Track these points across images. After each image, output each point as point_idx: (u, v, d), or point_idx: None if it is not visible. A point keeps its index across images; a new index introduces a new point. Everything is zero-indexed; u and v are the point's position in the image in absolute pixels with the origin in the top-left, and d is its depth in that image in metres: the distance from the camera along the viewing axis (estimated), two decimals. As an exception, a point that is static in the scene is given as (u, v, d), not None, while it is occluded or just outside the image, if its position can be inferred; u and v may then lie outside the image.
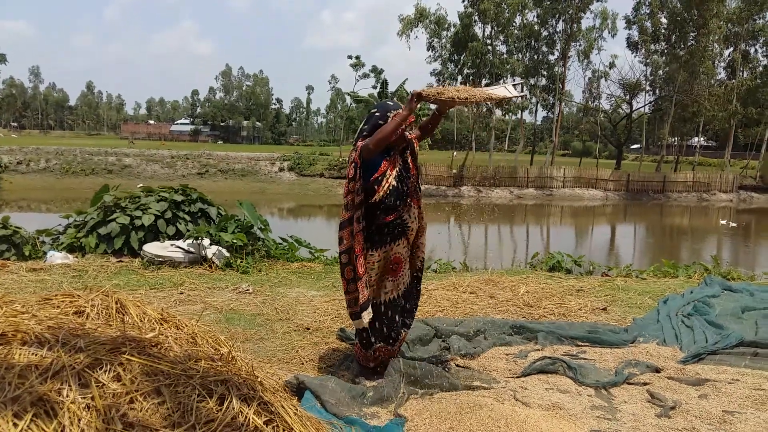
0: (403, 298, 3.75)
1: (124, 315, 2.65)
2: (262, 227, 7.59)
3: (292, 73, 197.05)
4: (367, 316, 3.54)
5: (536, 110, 47.97)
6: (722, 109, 43.27)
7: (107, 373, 1.98)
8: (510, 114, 47.85)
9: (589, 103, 48.46)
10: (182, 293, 5.82)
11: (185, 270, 6.80)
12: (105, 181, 9.81)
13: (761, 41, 45.31)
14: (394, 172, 3.60)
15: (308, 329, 4.72)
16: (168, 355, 2.18)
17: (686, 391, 3.66)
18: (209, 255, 6.99)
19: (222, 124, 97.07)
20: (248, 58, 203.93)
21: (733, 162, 47.87)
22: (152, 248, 7.13)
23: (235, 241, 7.07)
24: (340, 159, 38.61)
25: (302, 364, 4.02)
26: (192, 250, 7.05)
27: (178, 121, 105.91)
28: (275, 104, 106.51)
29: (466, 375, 3.85)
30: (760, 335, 4.73)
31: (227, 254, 7.09)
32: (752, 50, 46.25)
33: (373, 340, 3.70)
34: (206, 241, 7.13)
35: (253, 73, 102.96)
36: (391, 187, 3.56)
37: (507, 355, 4.30)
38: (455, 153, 45.95)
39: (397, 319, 3.72)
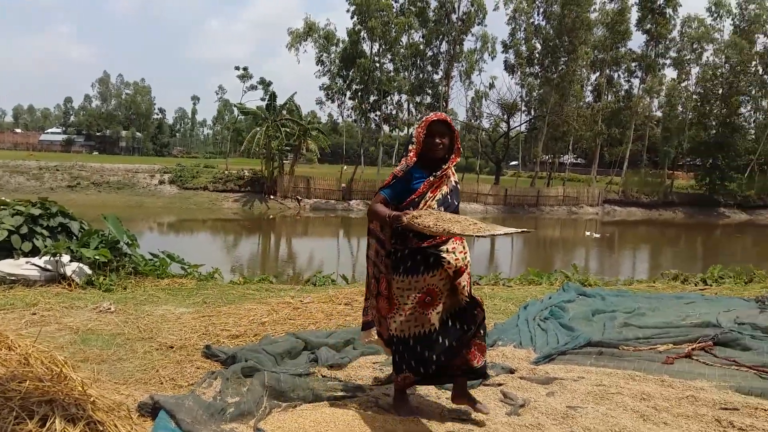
0: (440, 334, 3.19)
1: (-56, 337, 2.43)
2: (129, 242, 7.22)
3: (177, 83, 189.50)
4: (364, 336, 3.53)
5: (422, 127, 49.40)
6: (589, 129, 46.99)
7: None
8: (398, 130, 49.07)
9: (472, 121, 50.76)
10: (35, 314, 5.39)
11: (41, 289, 6.32)
12: (-47, 194, 8.91)
13: (623, 67, 49.68)
14: (438, 195, 3.19)
15: (172, 347, 4.53)
16: (-13, 378, 2.02)
17: (536, 390, 3.90)
18: (69, 272, 6.54)
19: (98, 134, 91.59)
20: (129, 66, 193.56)
21: (599, 178, 51.91)
22: (4, 266, 6.56)
23: (98, 257, 6.66)
24: (226, 172, 37.63)
25: (161, 383, 3.85)
26: (49, 267, 6.57)
27: (49, 130, 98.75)
28: (158, 114, 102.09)
29: (331, 385, 3.86)
30: (605, 336, 5.16)
31: (89, 271, 6.67)
32: (615, 75, 50.63)
33: (403, 367, 3.30)
34: (66, 258, 6.67)
35: (134, 81, 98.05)
36: None
37: (374, 363, 4.37)
38: (345, 167, 46.31)
39: (428, 354, 3.20)
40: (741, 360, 4.62)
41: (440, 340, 3.19)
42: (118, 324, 5.13)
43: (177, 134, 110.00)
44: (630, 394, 3.91)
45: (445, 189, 3.21)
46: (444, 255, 3.12)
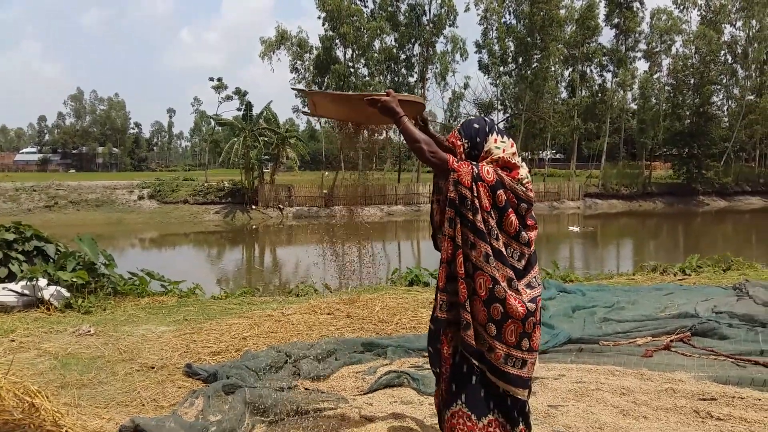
0: None
1: None
2: (107, 262, 7.15)
3: (152, 96, 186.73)
4: None
5: (400, 129, 49.55)
6: (566, 124, 47.40)
7: None
8: (376, 134, 49.14)
9: (450, 121, 50.95)
10: (14, 341, 5.32)
11: (19, 314, 6.23)
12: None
13: (595, 62, 50.18)
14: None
15: (153, 368, 4.49)
16: (-43, 415, 1.99)
17: (518, 391, 3.92)
18: (47, 296, 6.46)
19: (74, 151, 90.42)
20: (102, 81, 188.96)
21: (579, 172, 52.27)
22: (-20, 293, 6.47)
23: (75, 279, 6.59)
24: (206, 184, 37.37)
25: (143, 405, 3.82)
26: (26, 292, 6.49)
27: (24, 150, 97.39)
28: (134, 128, 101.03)
29: (314, 398, 3.86)
30: (585, 332, 5.21)
31: (67, 294, 6.60)
32: (588, 71, 51.09)
33: None
34: (43, 282, 6.59)
35: (108, 97, 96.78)
36: None
37: (357, 373, 4.38)
38: (326, 173, 46.22)
39: None
40: (719, 349, 4.69)
41: None
42: (98, 346, 5.08)
43: (154, 148, 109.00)
44: (610, 390, 3.96)
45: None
46: None
